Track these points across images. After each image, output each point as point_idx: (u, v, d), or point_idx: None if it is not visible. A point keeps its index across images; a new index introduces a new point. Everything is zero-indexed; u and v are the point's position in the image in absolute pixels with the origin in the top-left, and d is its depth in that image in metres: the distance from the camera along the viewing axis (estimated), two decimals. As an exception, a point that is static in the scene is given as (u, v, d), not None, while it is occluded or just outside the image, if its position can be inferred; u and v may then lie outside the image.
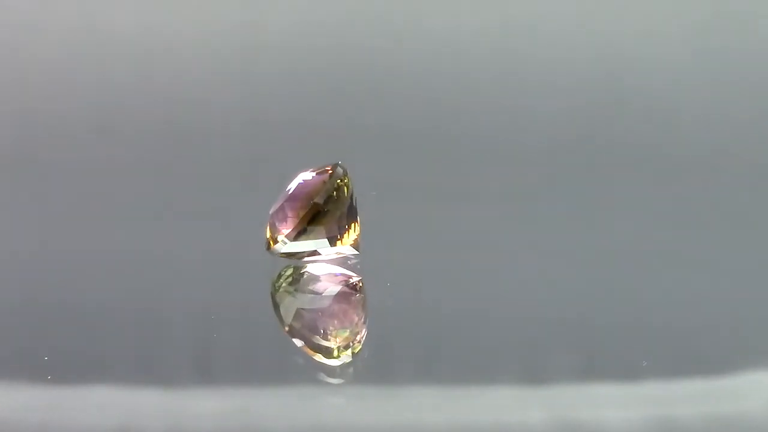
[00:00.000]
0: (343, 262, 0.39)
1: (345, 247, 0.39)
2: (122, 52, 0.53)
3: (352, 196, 0.39)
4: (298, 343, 0.36)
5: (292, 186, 0.39)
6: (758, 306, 0.39)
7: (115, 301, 0.39)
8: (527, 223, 0.43)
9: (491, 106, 0.50)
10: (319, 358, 0.36)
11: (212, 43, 0.54)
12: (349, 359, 0.36)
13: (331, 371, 0.36)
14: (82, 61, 0.53)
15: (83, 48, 0.54)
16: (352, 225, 0.39)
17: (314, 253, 0.38)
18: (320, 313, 0.37)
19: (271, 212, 0.39)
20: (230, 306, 0.39)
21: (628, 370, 0.36)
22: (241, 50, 0.54)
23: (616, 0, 0.60)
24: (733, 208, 0.44)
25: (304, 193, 0.38)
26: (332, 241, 0.38)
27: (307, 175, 0.39)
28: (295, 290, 0.38)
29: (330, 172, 0.39)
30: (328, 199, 0.38)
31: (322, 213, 0.38)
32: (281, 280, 0.39)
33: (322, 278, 0.39)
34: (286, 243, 0.38)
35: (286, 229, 0.38)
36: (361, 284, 0.38)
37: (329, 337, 0.36)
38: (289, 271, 0.39)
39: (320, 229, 0.38)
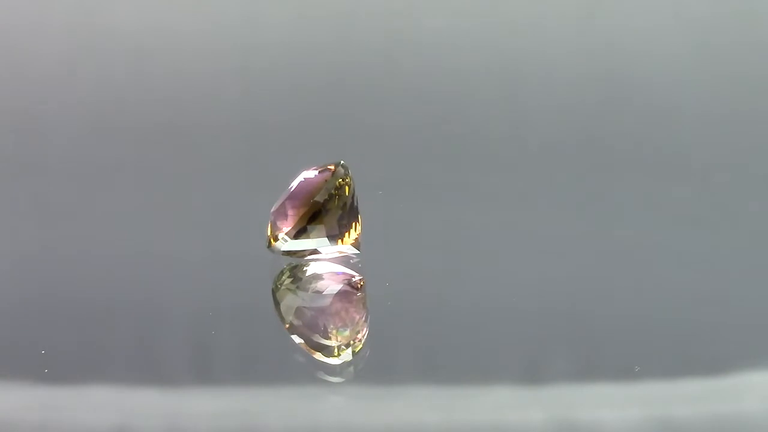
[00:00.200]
0: (344, 260, 0.39)
1: (346, 246, 0.39)
2: (122, 51, 0.53)
3: (353, 195, 0.39)
4: (299, 341, 0.36)
5: (294, 184, 0.39)
6: (758, 306, 0.39)
7: (115, 299, 0.39)
8: (527, 223, 0.43)
9: (493, 105, 0.50)
10: (319, 356, 0.36)
11: (213, 42, 0.54)
12: (350, 358, 0.36)
13: (331, 370, 0.36)
14: (82, 61, 0.53)
15: (83, 47, 0.54)
16: (353, 224, 0.39)
17: (315, 251, 0.38)
18: (321, 312, 0.37)
19: (272, 210, 0.39)
20: (231, 304, 0.39)
21: (627, 370, 0.36)
22: (243, 48, 0.54)
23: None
24: (733, 207, 0.44)
25: (305, 191, 0.38)
26: (333, 240, 0.38)
27: (310, 174, 0.39)
28: (297, 288, 0.38)
29: (332, 170, 0.39)
30: (329, 197, 0.38)
31: (322, 211, 0.38)
32: (282, 278, 0.39)
33: (323, 277, 0.39)
34: (286, 241, 0.38)
35: (286, 227, 0.38)
36: (362, 283, 0.38)
37: (330, 335, 0.36)
38: (291, 269, 0.39)
39: (320, 227, 0.38)
